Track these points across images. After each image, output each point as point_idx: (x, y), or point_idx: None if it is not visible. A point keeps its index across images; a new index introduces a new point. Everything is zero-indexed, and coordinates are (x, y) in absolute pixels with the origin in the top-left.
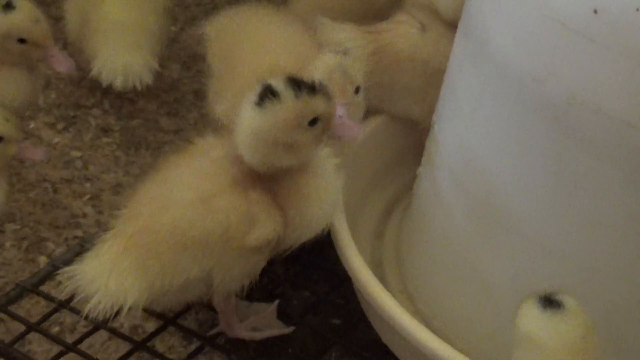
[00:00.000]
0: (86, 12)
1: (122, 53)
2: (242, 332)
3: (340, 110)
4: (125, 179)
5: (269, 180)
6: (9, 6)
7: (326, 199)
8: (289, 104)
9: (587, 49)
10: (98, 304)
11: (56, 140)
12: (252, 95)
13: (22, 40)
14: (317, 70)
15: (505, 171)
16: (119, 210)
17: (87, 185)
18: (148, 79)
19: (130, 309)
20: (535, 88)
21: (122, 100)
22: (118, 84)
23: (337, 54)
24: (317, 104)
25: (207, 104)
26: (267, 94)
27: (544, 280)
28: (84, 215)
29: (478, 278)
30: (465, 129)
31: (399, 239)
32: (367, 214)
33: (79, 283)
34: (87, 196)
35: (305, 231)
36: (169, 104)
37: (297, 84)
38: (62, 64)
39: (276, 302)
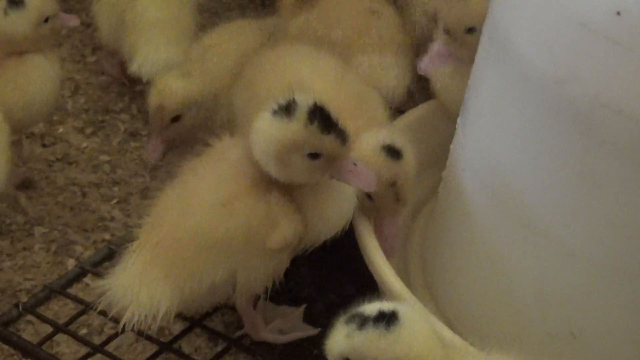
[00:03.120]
0: (120, 12)
1: (162, 49)
2: (267, 334)
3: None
4: (152, 183)
5: (285, 186)
6: None
7: (343, 197)
8: (296, 128)
9: (610, 50)
10: (132, 316)
11: (85, 144)
12: (275, 102)
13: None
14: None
15: (527, 173)
16: (143, 218)
17: (115, 189)
18: None
19: (163, 315)
20: (558, 90)
21: None
22: None
23: (388, 153)
24: (325, 143)
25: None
26: (287, 107)
27: (566, 281)
28: (112, 219)
29: (501, 280)
30: (488, 132)
31: (423, 242)
32: None
33: (111, 297)
34: (115, 200)
35: (324, 230)
36: None
37: (316, 114)
38: (70, 20)
39: (303, 306)
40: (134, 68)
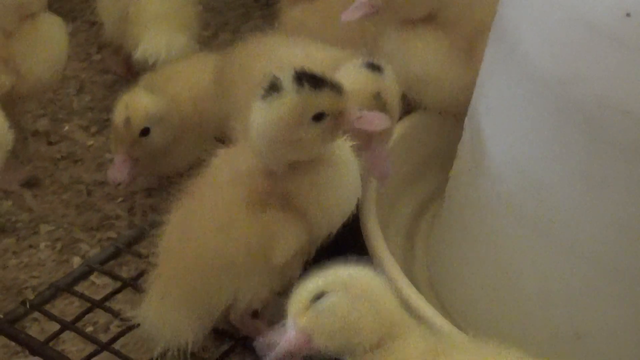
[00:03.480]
0: (123, 7)
1: (164, 35)
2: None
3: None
4: (157, 182)
5: (284, 184)
6: None
7: (344, 184)
8: (289, 99)
9: (617, 52)
10: (165, 353)
11: (90, 142)
12: (261, 89)
13: None
14: (342, 78)
15: (534, 173)
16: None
17: (120, 187)
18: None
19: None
20: (565, 91)
21: None
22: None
23: (368, 68)
24: (321, 99)
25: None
26: (273, 87)
27: (571, 282)
28: (117, 217)
29: (506, 280)
30: (495, 132)
31: (428, 241)
32: (399, 217)
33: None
34: (120, 198)
35: (330, 224)
36: None
37: (302, 78)
38: None
39: None
40: (138, 55)
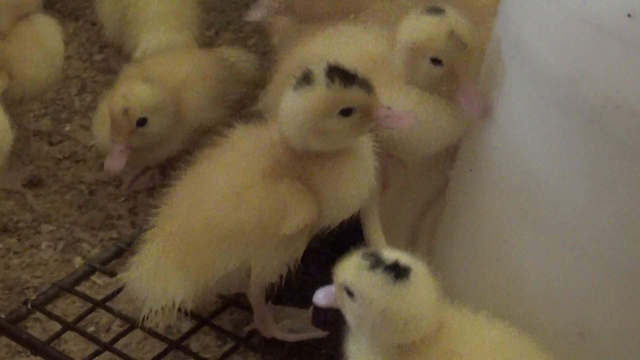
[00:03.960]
0: (123, 8)
1: (164, 33)
2: (276, 332)
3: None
4: (159, 182)
5: (304, 163)
6: None
7: (361, 179)
8: (319, 92)
9: (622, 51)
10: (150, 311)
11: (92, 142)
12: (292, 80)
13: None
14: (409, 34)
15: (539, 173)
16: (155, 208)
17: (123, 187)
18: None
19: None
20: (570, 91)
21: None
22: None
23: (430, 13)
24: (350, 95)
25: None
26: (305, 79)
27: (576, 281)
28: (119, 217)
29: (510, 279)
30: (499, 131)
31: (432, 240)
32: (401, 217)
33: (127, 293)
34: (122, 198)
35: (340, 211)
36: None
37: (334, 73)
38: None
39: (311, 307)
40: (138, 55)
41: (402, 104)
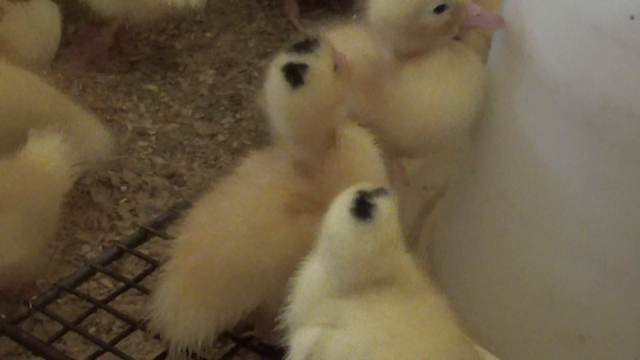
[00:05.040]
0: None
1: None
2: (277, 338)
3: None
4: (160, 183)
5: (312, 180)
6: None
7: (370, 170)
8: None
9: (621, 54)
10: (176, 347)
11: None
12: None
13: None
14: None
15: (537, 175)
16: (176, 237)
17: (124, 188)
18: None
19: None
20: (569, 93)
21: (157, 105)
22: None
23: None
24: None
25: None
26: None
27: (575, 283)
28: (120, 218)
29: (510, 281)
30: (499, 134)
31: (432, 243)
32: (402, 220)
33: (153, 327)
34: (124, 199)
35: None
36: (204, 109)
37: None
38: None
39: None
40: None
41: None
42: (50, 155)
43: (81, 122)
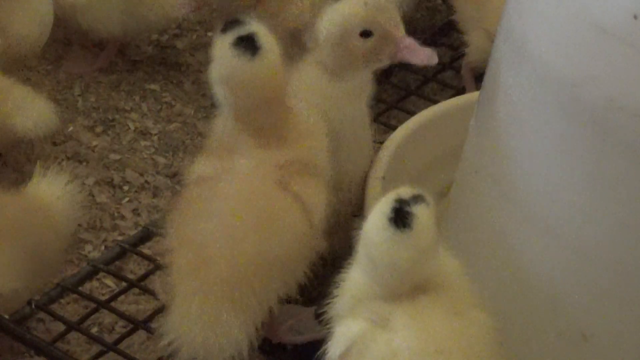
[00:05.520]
0: None
1: None
2: (285, 336)
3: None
4: (163, 182)
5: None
6: None
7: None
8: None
9: (626, 53)
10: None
11: (95, 143)
12: None
13: None
14: (331, 23)
15: (541, 174)
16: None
17: (126, 187)
18: None
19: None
20: (574, 92)
21: (160, 104)
22: None
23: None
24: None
25: None
26: None
27: (578, 283)
28: (122, 218)
29: (514, 280)
30: (502, 133)
31: None
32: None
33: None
34: (126, 199)
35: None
36: (206, 108)
37: None
38: None
39: (313, 308)
40: None
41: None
42: (57, 194)
43: (15, 95)
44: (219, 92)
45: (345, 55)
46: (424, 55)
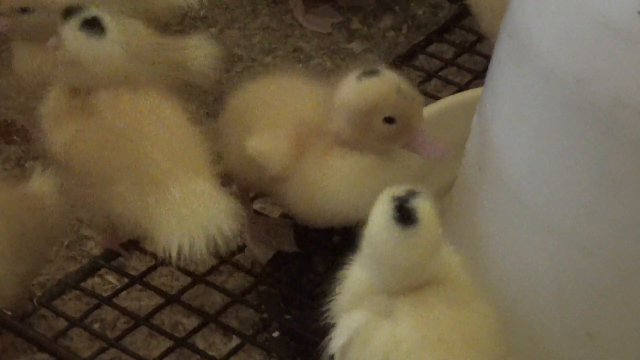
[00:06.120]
0: None
1: None
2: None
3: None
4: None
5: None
6: None
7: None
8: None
9: (631, 50)
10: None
11: None
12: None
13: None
14: (357, 98)
15: (546, 172)
16: None
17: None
18: None
19: None
20: (579, 89)
21: None
22: None
23: (369, 75)
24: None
25: None
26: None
27: (584, 281)
28: None
29: (518, 279)
30: (506, 130)
31: None
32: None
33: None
34: None
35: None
36: (209, 105)
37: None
38: None
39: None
40: None
41: (339, 168)
42: (49, 190)
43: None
44: None
45: (362, 131)
46: (434, 153)
